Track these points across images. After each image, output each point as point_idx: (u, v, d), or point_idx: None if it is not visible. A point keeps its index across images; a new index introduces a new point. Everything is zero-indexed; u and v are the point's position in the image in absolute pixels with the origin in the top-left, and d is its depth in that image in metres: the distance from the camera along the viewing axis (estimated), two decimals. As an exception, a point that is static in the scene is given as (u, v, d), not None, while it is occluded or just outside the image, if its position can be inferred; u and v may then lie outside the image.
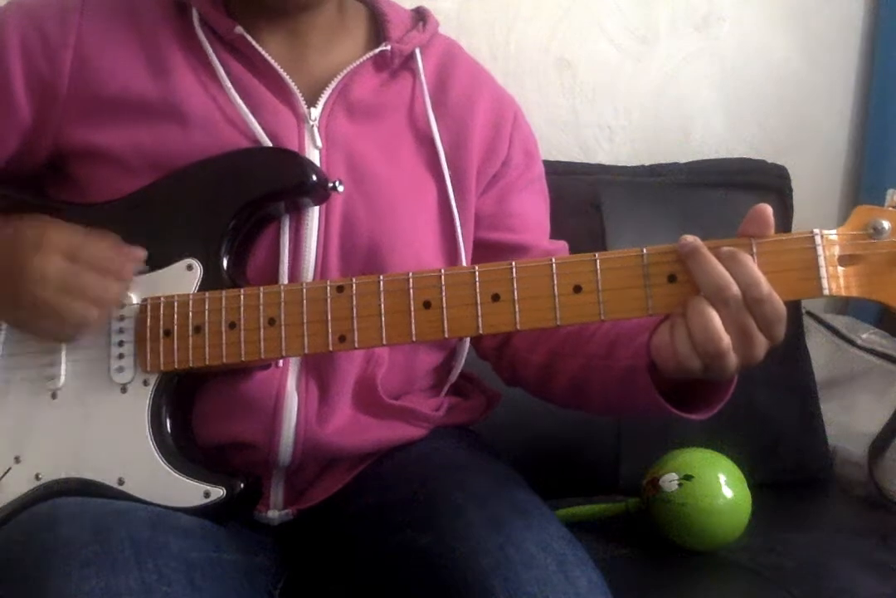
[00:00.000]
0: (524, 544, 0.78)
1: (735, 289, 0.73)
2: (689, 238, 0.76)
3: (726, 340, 0.74)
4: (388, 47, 0.96)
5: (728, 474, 1.13)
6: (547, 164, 1.11)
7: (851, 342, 1.56)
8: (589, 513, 1.21)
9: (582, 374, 0.93)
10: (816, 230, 0.74)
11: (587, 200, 1.45)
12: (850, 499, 1.42)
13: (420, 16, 1.03)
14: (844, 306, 1.75)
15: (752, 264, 0.74)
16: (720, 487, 1.11)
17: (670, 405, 0.83)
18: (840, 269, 0.74)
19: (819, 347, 1.57)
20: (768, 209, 0.75)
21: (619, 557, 1.11)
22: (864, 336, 1.56)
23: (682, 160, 1.59)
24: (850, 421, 1.50)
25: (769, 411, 1.44)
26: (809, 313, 1.64)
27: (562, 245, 1.06)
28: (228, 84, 0.91)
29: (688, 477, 1.12)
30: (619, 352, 0.87)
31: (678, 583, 1.07)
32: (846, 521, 1.33)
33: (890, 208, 0.75)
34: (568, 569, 0.77)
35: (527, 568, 0.75)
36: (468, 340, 1.01)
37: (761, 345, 0.75)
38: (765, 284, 0.73)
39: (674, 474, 1.13)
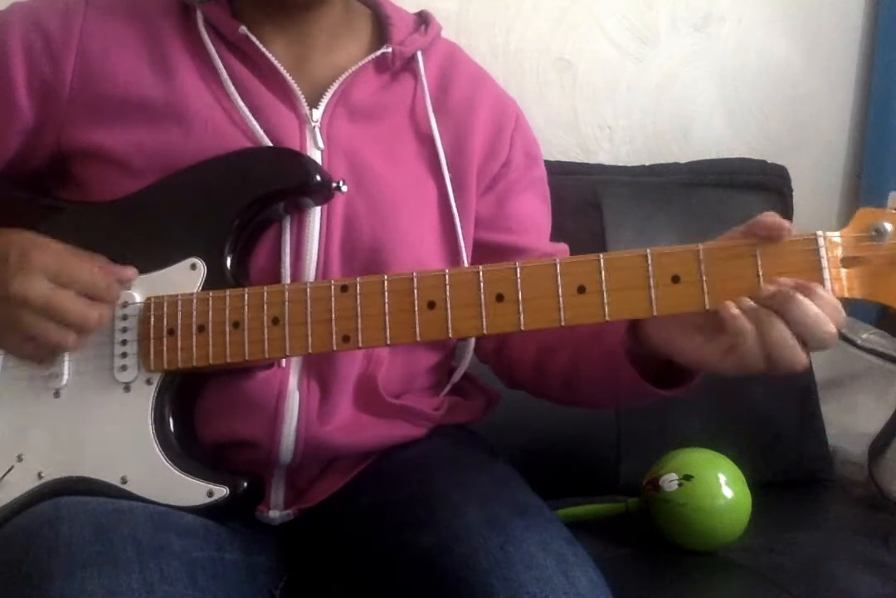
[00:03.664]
0: (524, 544, 0.78)
1: (832, 327, 0.73)
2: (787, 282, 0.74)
3: (804, 358, 0.74)
4: (390, 50, 0.97)
5: (728, 474, 1.13)
6: (547, 164, 1.11)
7: (851, 342, 1.56)
8: (589, 513, 1.21)
9: (572, 365, 0.93)
10: (819, 232, 0.74)
11: (587, 200, 1.46)
12: (850, 499, 1.42)
13: (423, 20, 1.04)
14: (844, 306, 1.75)
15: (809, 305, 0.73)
16: (720, 487, 1.11)
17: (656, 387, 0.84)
18: (843, 271, 0.75)
19: (819, 347, 1.57)
20: (787, 226, 0.74)
21: (619, 557, 1.11)
22: (864, 336, 1.56)
23: (682, 160, 1.59)
24: (850, 421, 1.50)
25: (769, 411, 1.44)
26: (809, 313, 1.63)
27: (563, 248, 1.06)
28: (230, 85, 0.91)
29: (688, 477, 1.12)
30: (603, 336, 0.88)
31: (678, 583, 1.07)
32: (846, 521, 1.32)
33: (892, 211, 0.75)
34: (568, 569, 0.77)
35: (527, 568, 0.75)
36: (472, 341, 1.01)
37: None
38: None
39: (674, 474, 1.13)
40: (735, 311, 0.74)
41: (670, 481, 1.12)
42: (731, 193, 1.53)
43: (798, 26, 1.73)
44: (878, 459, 1.40)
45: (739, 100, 1.72)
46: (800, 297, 0.73)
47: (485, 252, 1.00)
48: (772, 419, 1.44)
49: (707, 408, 1.38)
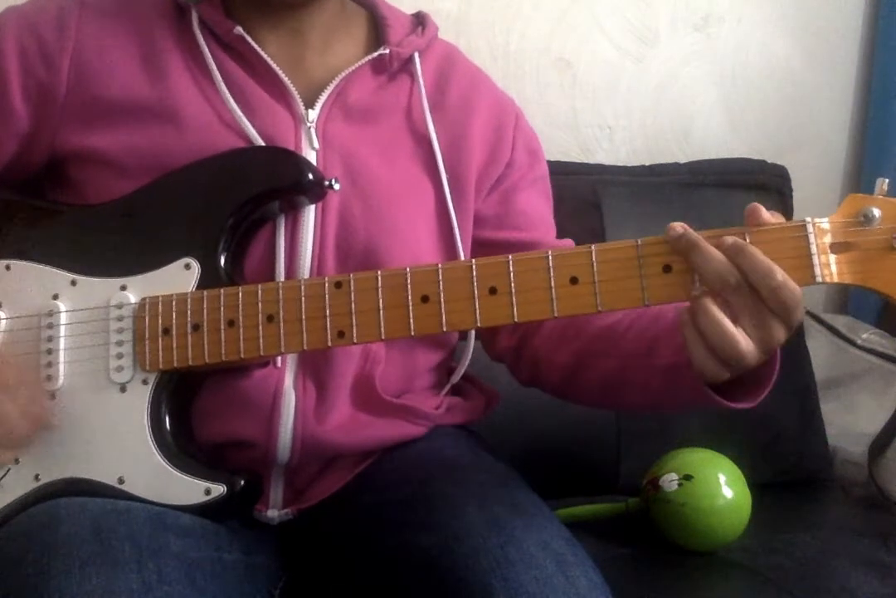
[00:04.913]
0: (524, 544, 0.78)
1: (738, 275, 0.72)
2: (678, 228, 0.75)
3: (744, 342, 0.72)
4: (387, 51, 0.97)
5: (728, 474, 1.13)
6: (547, 164, 1.11)
7: (851, 342, 1.56)
8: (589, 513, 1.21)
9: (618, 373, 0.91)
10: (808, 219, 0.74)
11: (587, 200, 1.46)
12: (850, 499, 1.42)
13: (420, 21, 1.04)
14: (844, 305, 1.75)
15: (759, 254, 0.72)
16: (720, 487, 1.11)
17: (717, 395, 0.81)
18: (832, 256, 0.74)
19: (819, 347, 1.57)
20: (758, 205, 0.75)
21: (619, 557, 1.11)
22: (864, 336, 1.56)
23: (682, 160, 1.59)
24: (850, 421, 1.50)
25: (769, 411, 1.43)
26: (809, 313, 1.64)
27: (569, 243, 1.06)
28: (223, 87, 0.91)
29: (688, 477, 1.12)
30: (659, 350, 0.86)
31: (678, 583, 1.07)
32: (846, 521, 1.32)
33: (880, 196, 0.75)
34: (568, 569, 0.77)
35: (527, 568, 0.75)
36: (472, 342, 1.01)
37: (780, 332, 0.74)
38: (778, 272, 0.72)
39: (674, 474, 1.13)
40: None
41: (670, 481, 1.12)
42: (731, 193, 1.52)
43: (798, 26, 1.73)
44: (878, 459, 1.40)
45: (739, 100, 1.72)
46: (703, 244, 0.73)
47: (494, 250, 0.99)
48: (772, 419, 1.43)
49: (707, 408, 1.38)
